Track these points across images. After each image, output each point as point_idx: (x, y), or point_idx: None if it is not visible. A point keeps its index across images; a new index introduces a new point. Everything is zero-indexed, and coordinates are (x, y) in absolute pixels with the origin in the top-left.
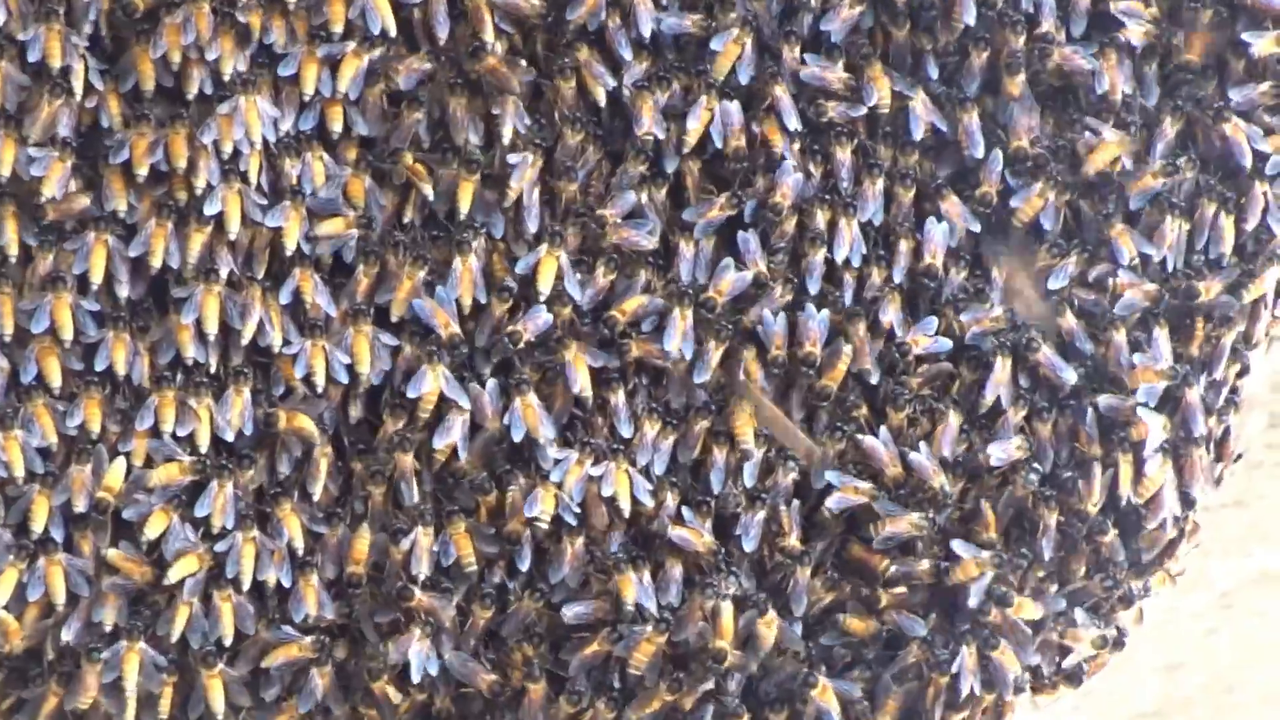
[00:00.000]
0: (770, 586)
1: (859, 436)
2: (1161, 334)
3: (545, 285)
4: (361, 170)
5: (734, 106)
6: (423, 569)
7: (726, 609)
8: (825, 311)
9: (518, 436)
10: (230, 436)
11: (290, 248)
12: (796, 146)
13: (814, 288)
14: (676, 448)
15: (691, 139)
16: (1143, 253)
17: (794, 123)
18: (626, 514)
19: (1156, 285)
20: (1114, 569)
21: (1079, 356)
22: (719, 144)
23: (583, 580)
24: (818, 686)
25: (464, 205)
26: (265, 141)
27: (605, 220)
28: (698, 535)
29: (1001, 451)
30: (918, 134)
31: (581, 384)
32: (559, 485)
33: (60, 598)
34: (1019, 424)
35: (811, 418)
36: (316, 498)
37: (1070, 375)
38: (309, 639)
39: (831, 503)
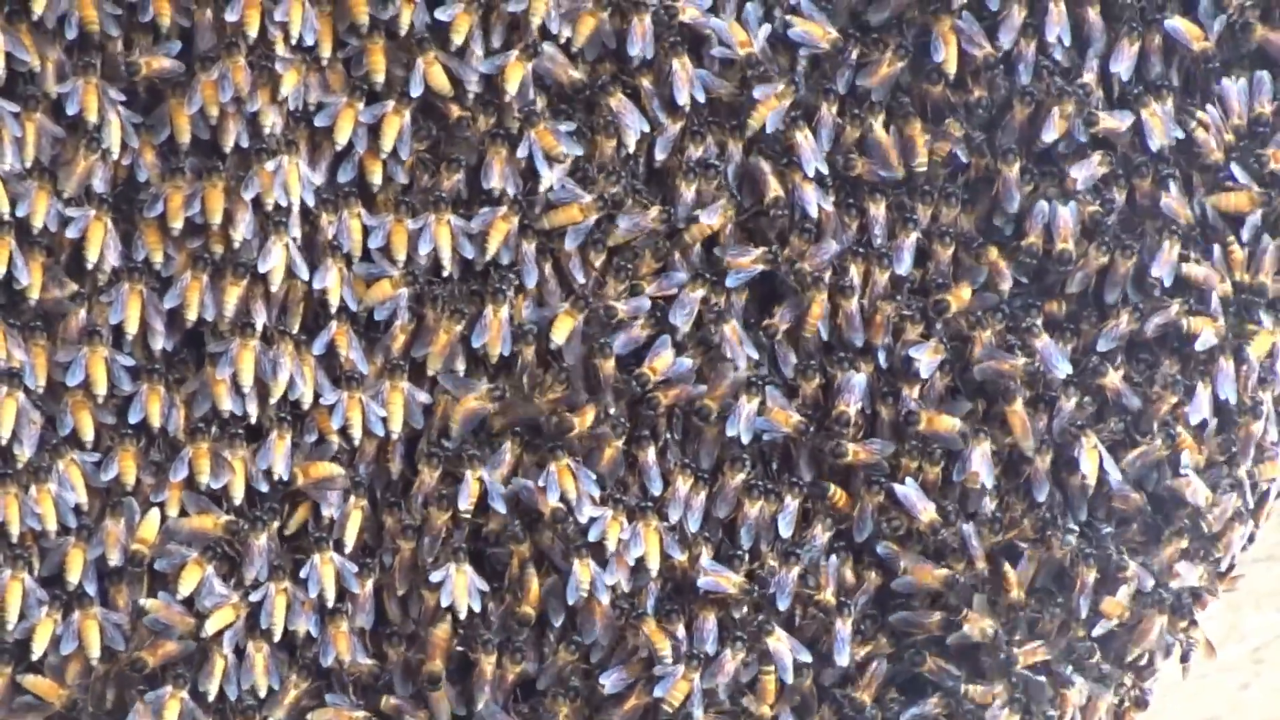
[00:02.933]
0: (804, 643)
1: (894, 486)
2: (1204, 392)
3: (559, 338)
4: (403, 214)
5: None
6: (460, 607)
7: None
8: (863, 376)
9: (553, 498)
10: (276, 478)
11: (334, 305)
12: (831, 200)
13: (858, 340)
14: (711, 503)
15: (755, 123)
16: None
17: (816, 168)
18: (655, 573)
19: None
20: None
21: (1123, 412)
22: (778, 126)
23: (617, 637)
24: None
25: (492, 246)
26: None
27: (616, 313)
28: (726, 579)
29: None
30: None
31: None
32: (596, 545)
33: (95, 651)
34: (1047, 470)
35: (848, 478)
36: (349, 549)
37: (1065, 368)
38: (361, 715)
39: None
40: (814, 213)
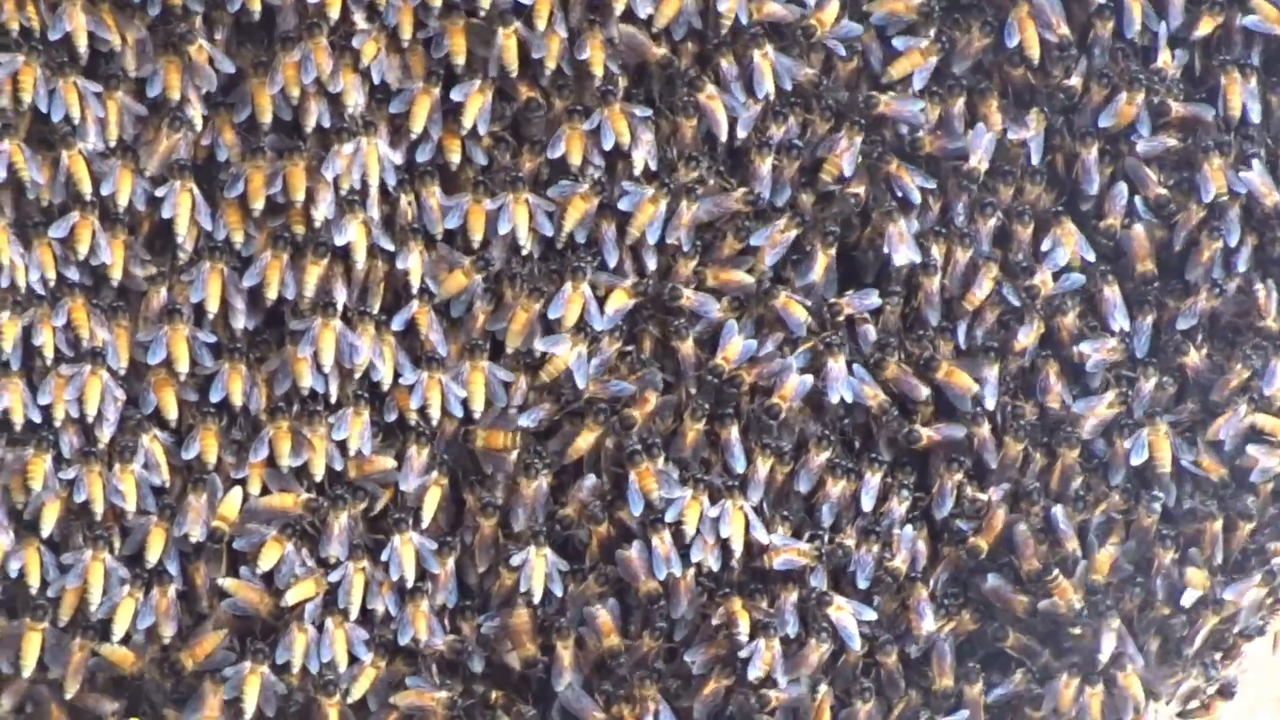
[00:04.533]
0: (884, 618)
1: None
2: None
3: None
4: (480, 194)
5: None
6: (536, 591)
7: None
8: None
9: (637, 510)
10: (352, 451)
11: (415, 285)
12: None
13: (934, 318)
14: (793, 478)
15: (896, 74)
16: None
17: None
18: (738, 554)
19: None
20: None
21: (1201, 393)
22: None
23: (701, 614)
24: None
25: (569, 223)
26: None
27: (681, 301)
28: (796, 551)
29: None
30: (1036, 158)
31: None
32: (676, 524)
33: (169, 630)
34: (1125, 452)
35: (926, 456)
36: (424, 526)
37: (1123, 321)
38: (443, 694)
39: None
40: (915, 199)
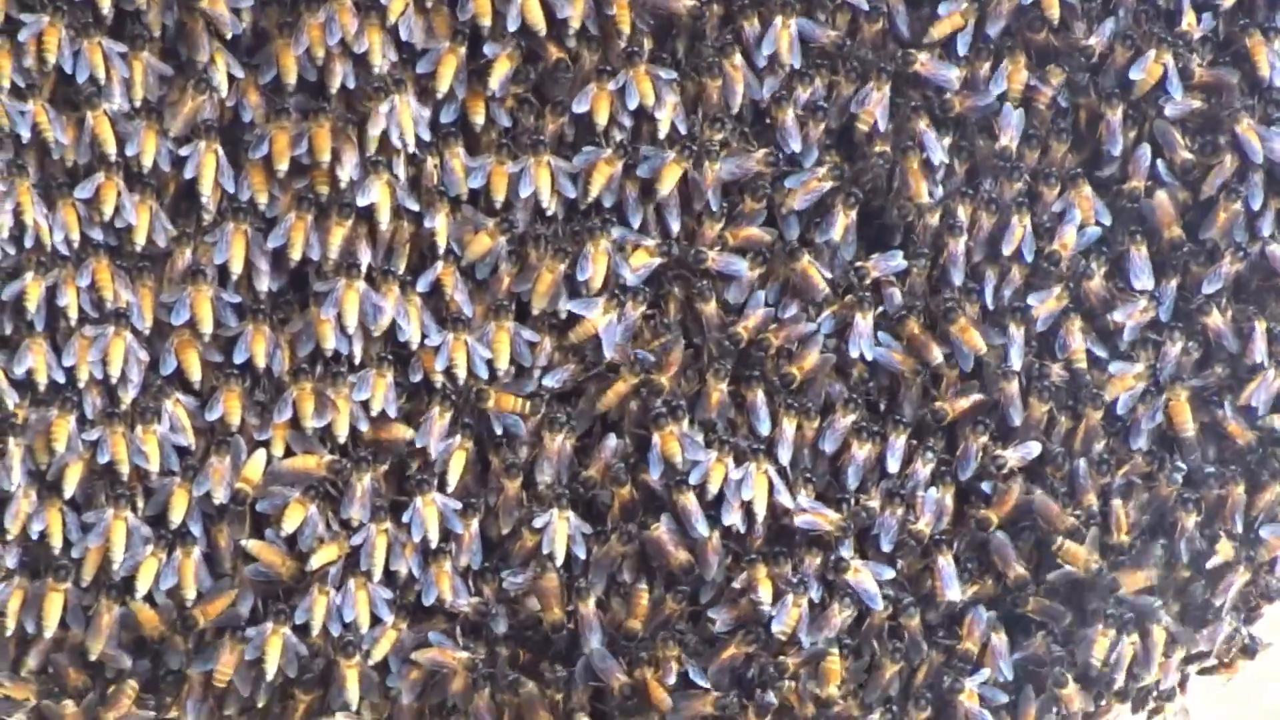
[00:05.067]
0: (908, 579)
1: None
2: None
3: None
4: (503, 156)
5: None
6: (559, 553)
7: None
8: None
9: (655, 473)
10: (375, 411)
11: (442, 246)
12: (947, 141)
13: (958, 278)
14: (818, 438)
15: (937, 34)
16: None
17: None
18: (761, 518)
19: None
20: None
21: (1223, 354)
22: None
23: (726, 577)
24: (964, 691)
25: (595, 188)
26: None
27: (707, 263)
28: (823, 517)
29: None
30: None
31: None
32: (698, 488)
33: (192, 592)
34: (1148, 416)
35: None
36: (450, 490)
37: (1146, 281)
38: (464, 654)
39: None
40: (936, 159)
